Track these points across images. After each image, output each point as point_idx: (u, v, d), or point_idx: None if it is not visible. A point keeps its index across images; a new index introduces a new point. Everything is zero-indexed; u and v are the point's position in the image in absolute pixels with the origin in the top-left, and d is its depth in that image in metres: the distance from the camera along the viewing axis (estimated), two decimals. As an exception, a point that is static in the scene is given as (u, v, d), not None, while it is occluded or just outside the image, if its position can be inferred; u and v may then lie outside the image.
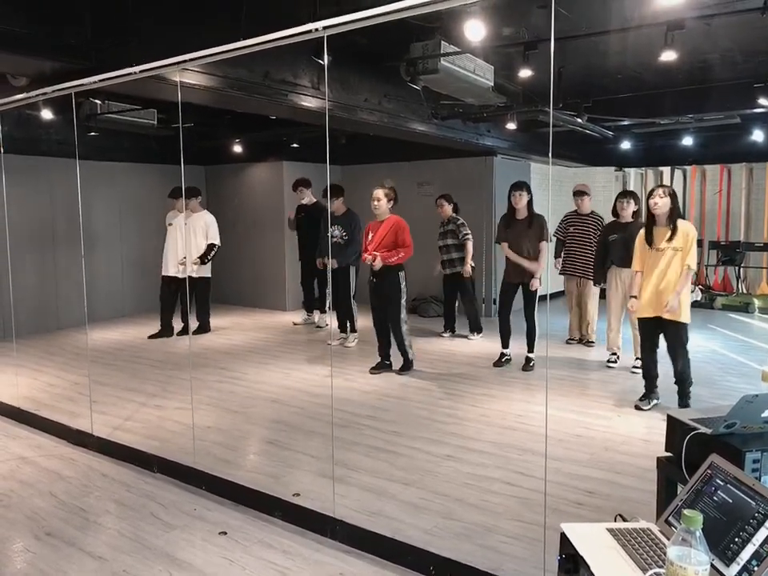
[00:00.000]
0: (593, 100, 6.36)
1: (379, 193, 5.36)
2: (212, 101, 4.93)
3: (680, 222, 4.28)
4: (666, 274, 4.27)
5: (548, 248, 5.60)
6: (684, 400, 4.39)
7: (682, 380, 4.41)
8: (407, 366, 5.57)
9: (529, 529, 2.81)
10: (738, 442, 1.75)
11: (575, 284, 6.52)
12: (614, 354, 5.76)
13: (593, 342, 6.50)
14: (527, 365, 5.66)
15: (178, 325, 7.14)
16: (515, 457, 3.67)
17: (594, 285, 6.17)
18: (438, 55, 4.30)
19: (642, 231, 4.45)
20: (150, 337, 7.05)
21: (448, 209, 6.86)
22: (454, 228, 6.79)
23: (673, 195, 4.31)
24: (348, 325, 6.66)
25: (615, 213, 5.68)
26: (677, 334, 4.33)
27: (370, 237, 5.45)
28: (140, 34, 3.79)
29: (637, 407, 4.51)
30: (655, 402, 4.53)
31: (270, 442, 4.04)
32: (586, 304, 6.47)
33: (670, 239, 4.26)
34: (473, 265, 6.84)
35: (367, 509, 3.03)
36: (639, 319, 4.50)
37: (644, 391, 4.59)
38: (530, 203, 5.59)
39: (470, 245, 6.76)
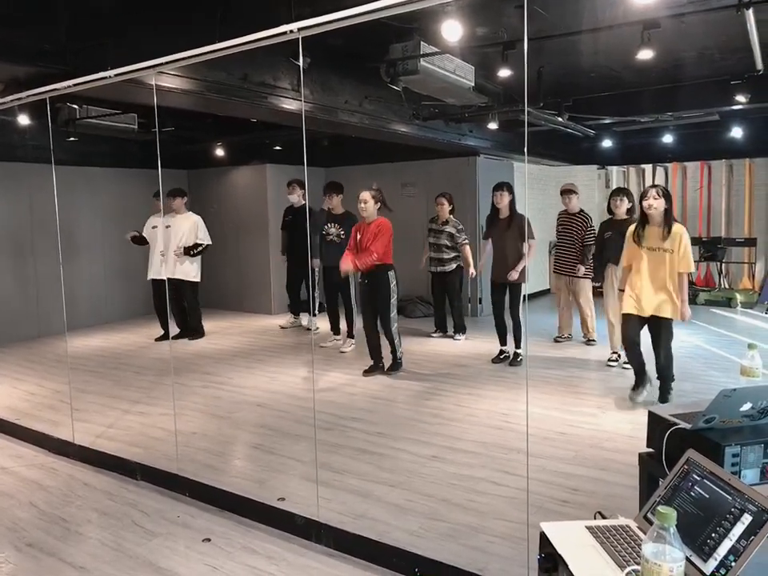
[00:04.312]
0: (573, 99, 6.38)
1: (366, 195, 5.32)
2: (191, 104, 4.89)
3: (674, 225, 4.22)
4: (656, 275, 4.26)
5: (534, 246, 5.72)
6: (664, 396, 4.43)
7: (665, 376, 4.44)
8: (396, 366, 5.57)
9: (514, 528, 2.81)
10: (718, 436, 1.76)
11: (564, 282, 6.48)
12: (616, 353, 5.64)
13: (594, 341, 6.40)
14: (515, 360, 5.75)
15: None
16: (501, 456, 3.67)
17: (594, 282, 6.09)
18: (417, 56, 4.29)
19: (632, 228, 4.43)
20: (157, 339, 7.09)
21: (447, 209, 6.77)
22: (453, 231, 6.71)
23: (667, 196, 4.23)
24: (346, 328, 6.52)
25: (610, 210, 5.63)
26: (664, 329, 4.35)
27: (358, 238, 5.38)
28: (116, 38, 3.75)
29: (631, 398, 4.55)
30: (647, 390, 4.54)
31: (254, 446, 4.01)
32: (579, 302, 6.39)
33: (663, 240, 4.22)
34: (460, 264, 6.83)
35: (352, 512, 3.02)
36: (624, 314, 4.48)
37: (634, 381, 4.60)
38: (511, 203, 5.65)
39: (467, 249, 6.72)
